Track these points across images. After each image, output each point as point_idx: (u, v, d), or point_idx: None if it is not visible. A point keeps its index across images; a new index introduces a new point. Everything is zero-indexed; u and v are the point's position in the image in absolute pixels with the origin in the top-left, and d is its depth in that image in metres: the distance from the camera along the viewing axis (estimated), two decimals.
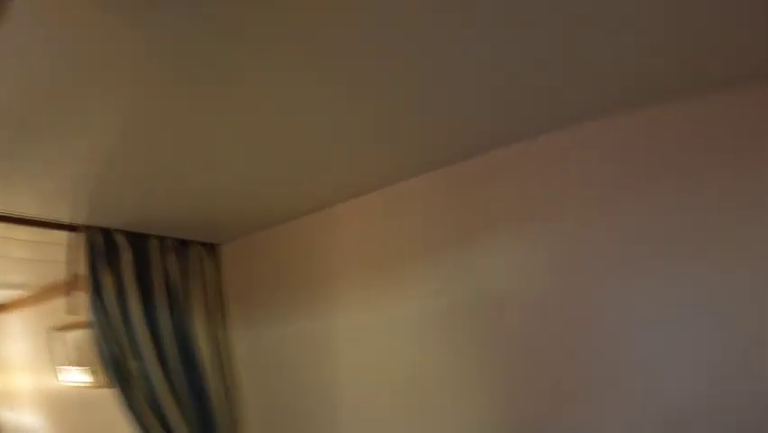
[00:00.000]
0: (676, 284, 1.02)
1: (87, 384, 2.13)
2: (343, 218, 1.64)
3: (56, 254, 1.48)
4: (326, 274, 1.64)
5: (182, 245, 1.68)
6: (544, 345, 1.18)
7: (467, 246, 1.35)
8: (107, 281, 1.40)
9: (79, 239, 1.37)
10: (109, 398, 1.40)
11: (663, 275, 1.04)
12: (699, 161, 1.04)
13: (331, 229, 1.66)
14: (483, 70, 0.92)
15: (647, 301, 1.05)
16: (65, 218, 1.32)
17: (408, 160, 1.36)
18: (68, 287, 1.47)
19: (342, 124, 1.06)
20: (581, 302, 1.13)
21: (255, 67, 0.82)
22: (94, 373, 2.04)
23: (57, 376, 2.38)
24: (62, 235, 1.36)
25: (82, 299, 1.39)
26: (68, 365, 2.26)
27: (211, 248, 1.82)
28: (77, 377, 2.20)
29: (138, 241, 1.52)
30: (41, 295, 2.44)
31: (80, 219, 1.35)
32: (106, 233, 1.43)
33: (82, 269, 1.37)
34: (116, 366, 1.36)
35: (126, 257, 1.46)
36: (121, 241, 1.45)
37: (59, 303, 2.03)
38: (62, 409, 2.52)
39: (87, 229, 1.38)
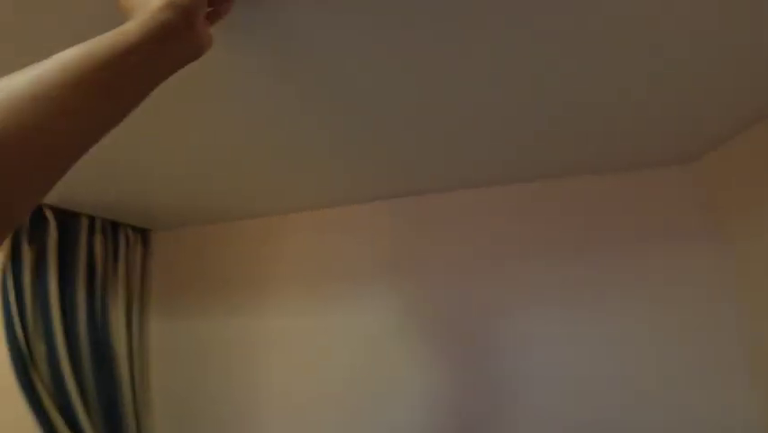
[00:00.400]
0: (573, 322, 1.37)
1: None
2: (289, 228, 1.69)
3: None
4: (261, 280, 1.67)
5: (113, 228, 1.62)
6: (465, 368, 1.43)
7: (404, 275, 1.52)
8: (27, 257, 1.33)
9: None
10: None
11: (564, 314, 1.39)
12: (599, 229, 1.43)
13: (274, 237, 1.70)
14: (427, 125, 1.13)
15: (548, 332, 1.39)
16: None
17: (363, 186, 1.47)
18: None
19: (304, 139, 1.11)
20: (499, 332, 1.44)
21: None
22: None
23: None
24: None
25: None
26: None
27: (143, 234, 1.77)
28: None
29: (67, 218, 1.45)
30: None
31: None
32: (36, 207, 1.36)
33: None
34: (20, 348, 1.29)
35: (52, 234, 1.39)
36: (49, 217, 1.39)
37: None
38: None
39: None
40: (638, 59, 0.85)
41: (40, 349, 1.33)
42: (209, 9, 0.58)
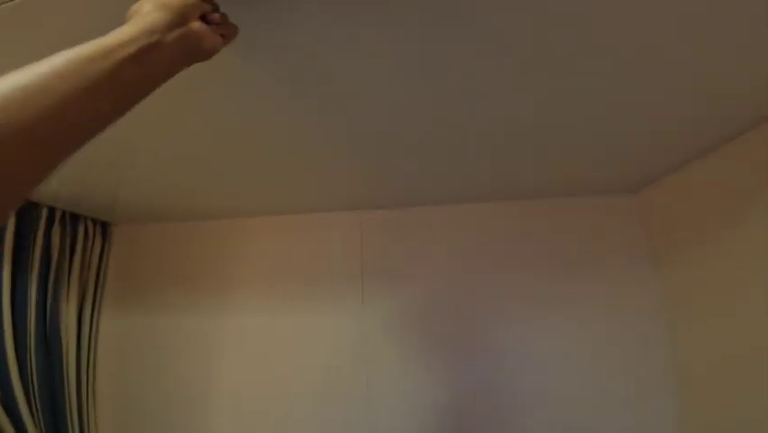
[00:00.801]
0: (521, 335, 1.51)
1: None
2: (254, 231, 1.71)
3: None
4: (222, 280, 1.68)
5: (72, 219, 1.59)
6: (438, 373, 1.52)
7: (372, 282, 1.57)
8: None
9: None
10: None
11: (511, 327, 1.52)
12: (548, 249, 1.58)
13: (238, 238, 1.72)
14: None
15: (503, 342, 1.50)
16: None
17: (334, 194, 1.52)
18: None
19: (277, 144, 1.14)
20: (461, 338, 1.54)
21: None
22: None
23: None
24: None
25: None
26: None
27: (103, 227, 1.73)
28: None
29: (26, 208, 1.42)
30: None
31: None
32: None
33: None
34: None
35: (10, 223, 1.35)
36: None
37: None
38: None
39: None
40: (596, 93, 0.95)
41: None
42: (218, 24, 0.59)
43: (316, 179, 1.40)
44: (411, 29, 0.73)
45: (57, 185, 1.36)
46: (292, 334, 1.60)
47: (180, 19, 0.52)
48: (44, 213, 1.47)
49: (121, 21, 0.50)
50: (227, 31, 0.61)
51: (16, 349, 1.34)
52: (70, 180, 1.33)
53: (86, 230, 1.64)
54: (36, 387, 1.38)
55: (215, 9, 0.59)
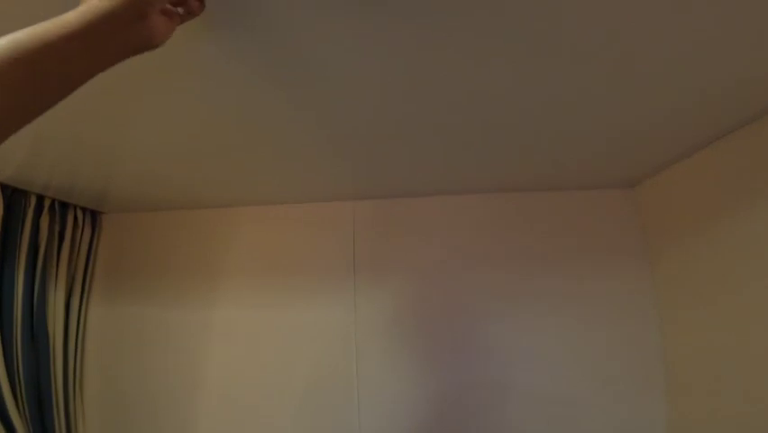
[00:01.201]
0: (512, 329, 1.52)
1: None
2: (245, 221, 1.69)
3: None
4: (211, 270, 1.67)
5: (62, 208, 1.56)
6: (430, 368, 1.52)
7: (366, 274, 1.57)
8: None
9: None
10: None
11: (503, 321, 1.53)
12: (543, 243, 1.58)
13: (229, 228, 1.70)
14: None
15: (492, 336, 1.51)
16: None
17: (327, 185, 1.50)
18: None
19: (269, 134, 1.13)
20: (451, 332, 1.54)
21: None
22: None
23: None
24: None
25: None
26: None
27: (93, 215, 1.71)
28: None
29: (14, 196, 1.39)
30: None
31: None
32: None
33: None
34: None
35: None
36: None
37: None
38: None
39: None
40: (592, 87, 0.95)
41: None
42: (175, 6, 0.59)
43: (307, 169, 1.39)
44: (402, 18, 0.72)
45: (47, 173, 1.33)
46: (282, 326, 1.59)
47: (138, 11, 0.50)
48: (33, 201, 1.44)
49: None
50: (192, 7, 0.61)
51: (2, 338, 1.32)
52: (60, 169, 1.31)
53: (76, 219, 1.62)
54: (22, 377, 1.36)
55: None
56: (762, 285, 1.07)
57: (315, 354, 1.55)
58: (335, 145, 1.21)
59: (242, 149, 1.22)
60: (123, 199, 1.64)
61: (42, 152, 1.18)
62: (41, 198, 1.47)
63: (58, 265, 1.52)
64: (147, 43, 0.53)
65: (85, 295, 1.64)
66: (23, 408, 1.34)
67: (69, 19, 0.46)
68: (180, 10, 0.60)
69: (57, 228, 1.53)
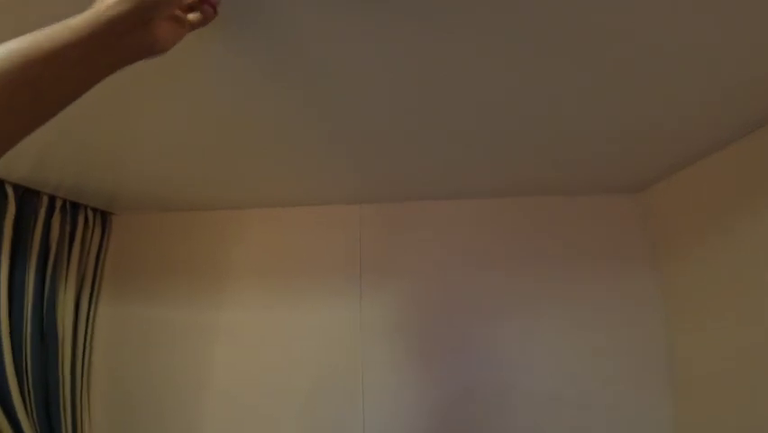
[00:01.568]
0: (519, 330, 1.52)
1: None
2: (253, 223, 1.70)
3: None
4: (219, 272, 1.68)
5: (73, 208, 1.58)
6: (435, 370, 1.52)
7: (374, 279, 1.56)
8: None
9: None
10: None
11: (512, 323, 1.53)
12: (549, 246, 1.58)
13: (237, 230, 1.71)
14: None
15: (500, 338, 1.50)
16: None
17: (336, 188, 1.51)
18: None
19: (280, 136, 1.13)
20: (461, 334, 1.53)
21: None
22: None
23: None
24: None
25: None
26: None
27: (103, 216, 1.72)
28: None
29: (27, 196, 1.41)
30: None
31: None
32: None
33: None
34: None
35: (10, 210, 1.34)
36: (9, 193, 1.34)
37: None
38: None
39: None
40: (608, 104, 0.97)
41: None
42: (186, 13, 0.59)
43: (316, 172, 1.40)
44: (409, 19, 0.71)
45: (58, 174, 1.35)
46: (288, 328, 1.60)
47: (143, 18, 0.50)
48: (45, 201, 1.46)
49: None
50: (205, 15, 0.61)
51: (11, 337, 1.33)
52: (70, 170, 1.32)
53: (87, 219, 1.63)
54: (30, 376, 1.37)
55: None
56: None
57: (320, 355, 1.55)
58: (342, 147, 1.21)
59: (250, 150, 1.23)
60: (132, 200, 1.65)
61: (53, 152, 1.20)
62: (52, 199, 1.49)
63: (68, 265, 1.54)
64: (151, 49, 0.53)
65: (94, 295, 1.65)
66: (31, 407, 1.35)
67: (75, 26, 0.46)
68: (192, 16, 0.60)
69: (68, 228, 1.55)
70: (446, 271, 1.58)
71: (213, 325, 1.63)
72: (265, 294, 1.64)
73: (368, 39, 0.77)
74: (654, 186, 1.51)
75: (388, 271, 1.60)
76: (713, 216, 1.26)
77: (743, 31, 0.75)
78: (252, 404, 1.54)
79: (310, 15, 0.71)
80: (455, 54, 0.81)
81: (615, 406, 1.41)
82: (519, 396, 1.45)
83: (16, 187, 1.37)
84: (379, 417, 1.48)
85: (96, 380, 1.62)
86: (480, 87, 0.92)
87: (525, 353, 1.48)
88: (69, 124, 1.04)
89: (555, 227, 1.58)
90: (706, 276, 1.28)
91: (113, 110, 0.99)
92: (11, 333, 1.33)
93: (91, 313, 1.63)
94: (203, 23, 0.62)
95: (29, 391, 1.36)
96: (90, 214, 1.65)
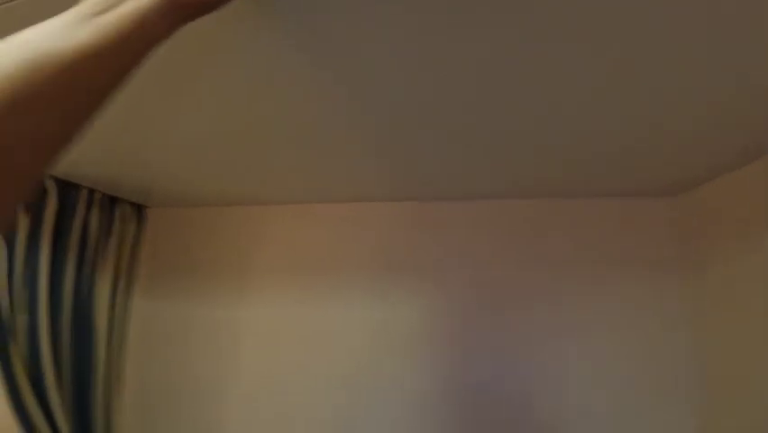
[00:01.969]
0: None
1: None
2: (287, 219, 1.69)
3: None
4: (248, 267, 1.68)
5: (110, 202, 1.60)
6: (461, 372, 1.48)
7: (401, 278, 1.52)
8: (23, 225, 1.30)
9: None
10: None
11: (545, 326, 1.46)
12: (582, 250, 1.51)
13: (270, 226, 1.70)
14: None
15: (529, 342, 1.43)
16: None
17: (368, 185, 1.48)
18: None
19: (313, 130, 1.10)
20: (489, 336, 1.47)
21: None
22: None
23: None
24: None
25: None
26: None
27: (138, 209, 1.74)
28: None
29: (67, 189, 1.42)
30: None
31: None
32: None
33: None
34: (1, 317, 1.27)
35: (51, 204, 1.36)
36: (50, 187, 1.36)
37: None
38: None
39: None
40: (639, 98, 0.90)
41: (21, 319, 1.30)
42: None
43: (343, 168, 1.36)
44: (446, 16, 0.68)
45: (96, 167, 1.36)
46: (314, 326, 1.58)
47: None
48: (84, 195, 1.48)
49: None
50: None
51: (51, 331, 1.35)
52: (108, 164, 1.33)
53: (123, 213, 1.65)
54: (67, 369, 1.39)
55: None
56: None
57: (344, 354, 1.53)
58: (372, 143, 1.17)
59: (283, 146, 1.20)
60: (166, 195, 1.65)
61: (90, 147, 1.21)
62: (91, 192, 1.51)
63: (105, 260, 1.56)
64: (202, 9, 0.49)
65: (129, 288, 1.67)
66: (66, 399, 1.38)
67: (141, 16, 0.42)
68: None
69: (105, 222, 1.57)
70: (474, 272, 1.53)
71: (239, 321, 1.62)
72: (293, 291, 1.62)
73: (407, 38, 0.74)
74: (692, 190, 1.43)
75: (416, 271, 1.56)
76: (753, 225, 1.20)
77: None
78: (279, 402, 1.53)
79: (348, 9, 0.68)
80: (498, 54, 0.77)
81: (637, 416, 1.35)
82: (546, 398, 1.40)
83: (57, 180, 1.39)
84: (404, 415, 1.45)
85: (129, 373, 1.63)
86: (518, 87, 0.88)
87: (552, 356, 1.43)
88: (104, 118, 1.05)
89: (586, 231, 1.52)
90: (743, 286, 1.23)
91: (145, 103, 0.98)
92: (51, 328, 1.35)
93: (125, 308, 1.65)
94: None
95: (64, 383, 1.38)
96: (127, 208, 1.67)
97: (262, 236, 1.69)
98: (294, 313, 1.60)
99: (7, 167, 0.33)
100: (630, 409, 1.36)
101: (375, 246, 1.61)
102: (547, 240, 1.53)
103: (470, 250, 1.56)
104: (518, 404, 1.41)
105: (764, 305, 1.14)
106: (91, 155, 1.27)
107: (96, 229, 1.52)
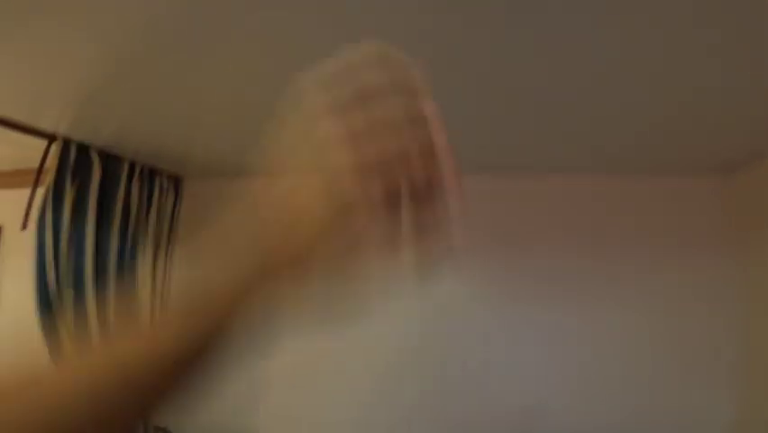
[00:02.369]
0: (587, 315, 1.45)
1: None
2: None
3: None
4: None
5: (150, 174, 1.63)
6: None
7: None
8: (69, 198, 1.30)
9: (55, 149, 1.28)
10: None
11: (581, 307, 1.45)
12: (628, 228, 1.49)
13: None
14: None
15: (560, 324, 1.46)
16: (46, 126, 1.22)
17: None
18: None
19: None
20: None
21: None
22: None
23: None
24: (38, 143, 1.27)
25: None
26: None
27: (176, 181, 1.77)
28: None
29: (110, 162, 1.43)
30: None
31: (61, 129, 1.25)
32: (82, 148, 1.35)
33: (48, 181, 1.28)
34: (49, 293, 1.27)
35: (95, 176, 1.38)
36: (95, 159, 1.39)
37: None
38: None
39: (65, 141, 1.29)
40: (693, 75, 0.87)
41: (68, 294, 1.32)
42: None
43: None
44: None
45: (138, 139, 1.39)
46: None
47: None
48: (126, 167, 1.51)
49: None
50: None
51: (97, 304, 1.39)
52: (149, 135, 1.33)
53: (162, 185, 1.68)
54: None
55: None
56: None
57: (397, 340, 1.53)
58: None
59: None
60: (203, 165, 1.65)
61: (132, 119, 1.23)
62: (132, 165, 1.52)
63: (146, 230, 1.57)
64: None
65: (168, 257, 1.70)
66: None
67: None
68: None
69: (146, 194, 1.58)
70: (526, 252, 1.52)
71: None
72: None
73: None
74: (745, 167, 1.36)
75: (466, 253, 1.54)
76: None
77: None
78: (322, 389, 1.56)
79: None
80: (566, 37, 0.76)
81: (679, 392, 1.36)
82: (593, 377, 1.41)
83: (101, 153, 1.42)
84: (458, 406, 1.47)
85: None
86: (582, 67, 0.87)
87: (595, 338, 1.42)
88: (144, 92, 1.06)
89: (641, 209, 1.48)
90: None
91: (182, 74, 0.97)
92: (97, 301, 1.38)
93: (166, 275, 1.67)
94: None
95: None
96: (165, 180, 1.69)
97: None
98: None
99: None
100: (676, 385, 1.36)
101: None
102: (594, 217, 1.51)
103: (512, 225, 1.55)
104: (568, 382, 1.43)
105: None
106: (132, 127, 1.28)
107: (137, 201, 1.54)
